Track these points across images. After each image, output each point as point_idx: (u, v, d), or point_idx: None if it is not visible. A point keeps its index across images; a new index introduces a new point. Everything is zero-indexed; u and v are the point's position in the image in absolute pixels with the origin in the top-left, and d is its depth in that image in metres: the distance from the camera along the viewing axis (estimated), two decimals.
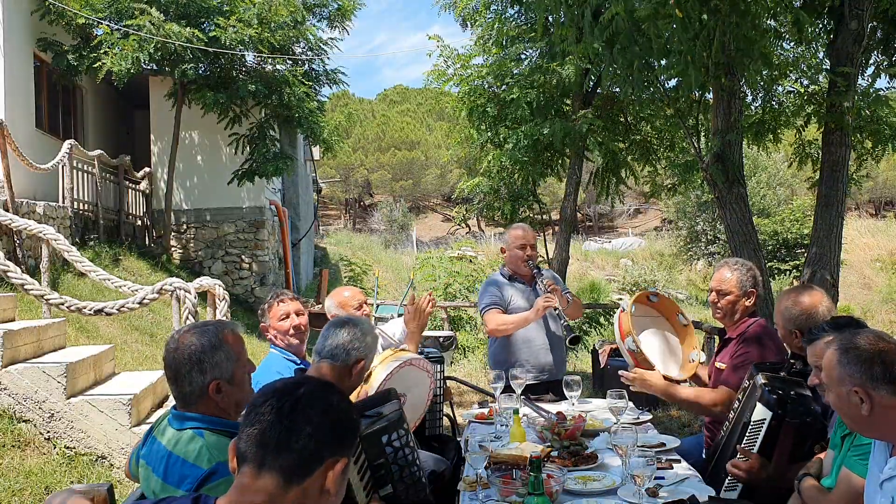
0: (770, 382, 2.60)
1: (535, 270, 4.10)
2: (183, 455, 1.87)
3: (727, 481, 2.64)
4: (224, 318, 2.07)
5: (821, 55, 7.15)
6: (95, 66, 9.91)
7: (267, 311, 3.19)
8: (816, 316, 2.75)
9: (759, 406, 2.54)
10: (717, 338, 3.61)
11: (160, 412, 5.05)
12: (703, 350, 4.30)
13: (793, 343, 2.83)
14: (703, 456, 3.28)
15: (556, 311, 3.87)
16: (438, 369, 3.48)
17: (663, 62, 5.76)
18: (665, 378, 3.25)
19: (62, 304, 5.12)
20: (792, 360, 2.87)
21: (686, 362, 3.50)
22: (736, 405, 2.79)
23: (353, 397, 2.72)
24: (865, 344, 1.90)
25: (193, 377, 1.95)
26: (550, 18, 6.43)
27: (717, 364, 3.28)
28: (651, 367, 3.26)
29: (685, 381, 3.36)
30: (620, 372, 3.29)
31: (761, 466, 2.50)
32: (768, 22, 5.63)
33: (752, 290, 3.22)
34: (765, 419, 2.49)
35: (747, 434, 2.57)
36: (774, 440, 2.48)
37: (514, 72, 9.68)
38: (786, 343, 2.92)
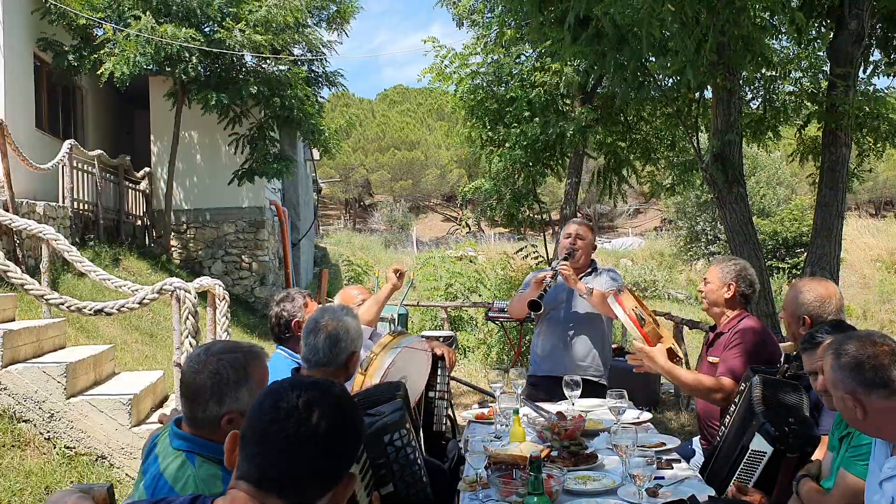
0: (767, 409, 2.53)
1: (562, 258, 3.96)
2: (171, 481, 1.84)
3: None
4: (253, 344, 2.01)
5: (821, 53, 7.14)
6: (99, 72, 9.88)
7: (303, 308, 3.21)
8: (829, 305, 2.79)
9: (758, 436, 2.51)
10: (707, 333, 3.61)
11: (160, 412, 5.04)
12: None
13: (798, 331, 2.82)
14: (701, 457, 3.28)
15: (549, 282, 3.82)
16: (451, 347, 3.57)
17: (661, 60, 5.75)
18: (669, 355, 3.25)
19: (62, 304, 5.11)
20: (787, 365, 2.86)
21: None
22: (732, 409, 2.76)
23: (355, 387, 2.74)
24: (854, 349, 1.88)
25: (209, 406, 1.88)
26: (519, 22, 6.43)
27: (710, 359, 3.30)
28: (659, 339, 3.26)
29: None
30: (628, 346, 3.30)
31: (760, 500, 2.48)
32: (766, 20, 5.62)
33: (732, 282, 3.33)
34: (765, 452, 2.48)
35: (745, 461, 2.54)
36: (774, 473, 2.48)
37: (514, 71, 9.67)
38: (791, 332, 2.90)
